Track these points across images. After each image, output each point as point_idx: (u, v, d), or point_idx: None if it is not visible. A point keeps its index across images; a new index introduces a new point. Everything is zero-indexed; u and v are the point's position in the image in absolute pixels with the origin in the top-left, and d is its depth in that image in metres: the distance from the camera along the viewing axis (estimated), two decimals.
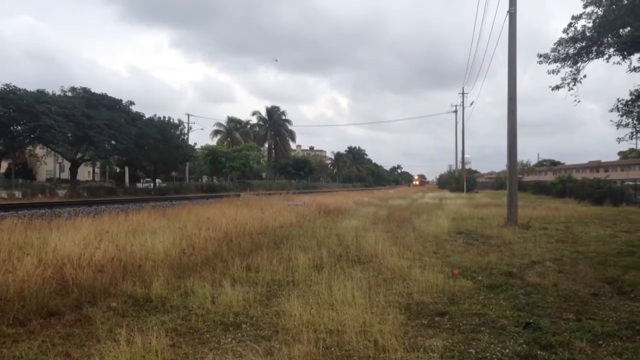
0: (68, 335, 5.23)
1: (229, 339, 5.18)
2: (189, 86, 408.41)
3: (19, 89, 37.86)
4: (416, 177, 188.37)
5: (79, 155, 45.54)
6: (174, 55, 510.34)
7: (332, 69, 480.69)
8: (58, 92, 44.29)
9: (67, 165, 54.59)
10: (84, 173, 72.79)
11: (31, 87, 40.03)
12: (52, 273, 7.03)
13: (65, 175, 64.92)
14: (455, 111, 70.50)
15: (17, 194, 35.91)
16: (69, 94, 45.75)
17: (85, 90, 46.67)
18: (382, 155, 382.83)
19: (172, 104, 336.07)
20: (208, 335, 5.30)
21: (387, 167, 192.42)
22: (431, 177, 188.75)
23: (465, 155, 69.49)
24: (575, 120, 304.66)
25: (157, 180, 58.04)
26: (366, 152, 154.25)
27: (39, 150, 54.50)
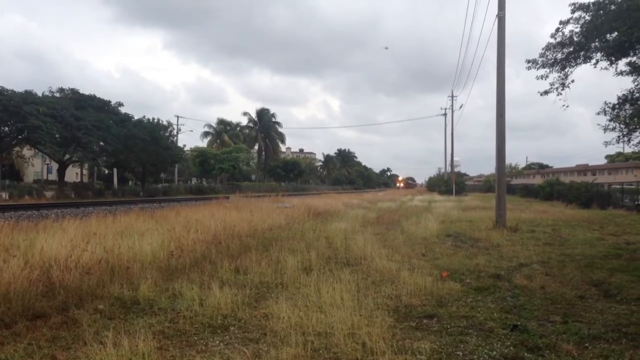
0: (54, 338, 5.20)
1: (217, 342, 5.17)
2: (181, 88, 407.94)
3: (7, 89, 37.54)
4: (400, 179, 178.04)
5: (67, 156, 45.18)
6: (167, 57, 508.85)
7: (326, 72, 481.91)
8: (46, 93, 44.00)
9: (54, 166, 54.14)
10: (72, 174, 72.14)
11: (22, 88, 39.69)
12: (38, 275, 6.97)
13: (53, 176, 64.41)
14: (445, 114, 70.84)
15: (4, 195, 35.52)
16: (57, 94, 45.41)
17: (74, 91, 46.37)
18: (372, 158, 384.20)
19: (164, 105, 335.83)
20: (196, 338, 5.28)
21: (377, 170, 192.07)
22: (421, 179, 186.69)
23: (455, 159, 69.81)
24: (565, 124, 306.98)
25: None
26: (356, 155, 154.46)
27: (27, 152, 54.04)
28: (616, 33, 12.80)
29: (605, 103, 15.57)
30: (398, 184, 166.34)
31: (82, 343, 4.98)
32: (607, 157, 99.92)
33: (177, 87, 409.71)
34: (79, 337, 5.17)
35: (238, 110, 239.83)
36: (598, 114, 15.82)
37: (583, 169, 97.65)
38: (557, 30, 14.64)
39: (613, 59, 14.00)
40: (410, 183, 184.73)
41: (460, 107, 69.40)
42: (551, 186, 46.37)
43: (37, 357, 4.66)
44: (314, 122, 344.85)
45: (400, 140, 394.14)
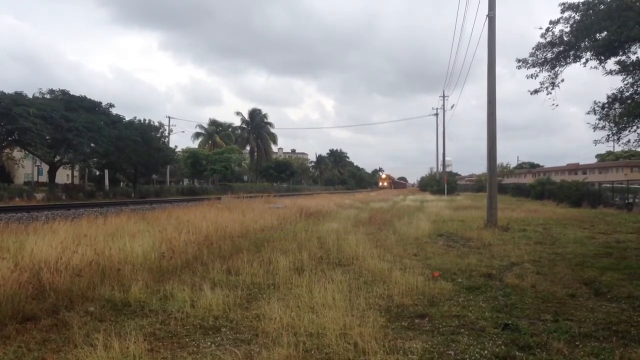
0: (44, 341, 5.16)
1: (208, 343, 5.15)
2: (176, 88, 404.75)
3: None
4: (383, 176, 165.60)
5: (58, 158, 44.91)
6: (163, 58, 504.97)
7: (321, 72, 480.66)
8: (36, 94, 43.71)
9: (45, 168, 53.77)
10: (63, 176, 71.69)
11: (18, 89, 39.36)
12: (28, 277, 6.92)
13: (44, 178, 63.98)
14: (436, 114, 71.10)
15: None
16: (48, 96, 45.10)
17: (64, 93, 46.02)
18: (364, 158, 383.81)
19: (158, 106, 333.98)
20: (187, 340, 5.26)
21: (369, 170, 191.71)
22: (414, 179, 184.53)
23: (447, 158, 70.06)
24: (557, 123, 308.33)
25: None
26: (348, 155, 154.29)
27: (17, 153, 53.60)
28: (606, 32, 12.89)
29: (595, 102, 15.70)
30: (381, 183, 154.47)
31: (73, 345, 4.95)
32: (597, 156, 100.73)
33: (172, 88, 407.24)
34: (70, 340, 5.14)
35: (233, 111, 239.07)
36: (588, 113, 15.96)
37: (574, 168, 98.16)
38: (547, 30, 14.73)
39: (602, 58, 14.11)
40: (399, 182, 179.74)
41: (452, 107, 69.87)
42: (542, 185, 46.65)
43: (27, 359, 4.64)
44: (308, 122, 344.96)
45: (393, 140, 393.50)
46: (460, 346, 5.07)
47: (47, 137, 38.90)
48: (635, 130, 15.25)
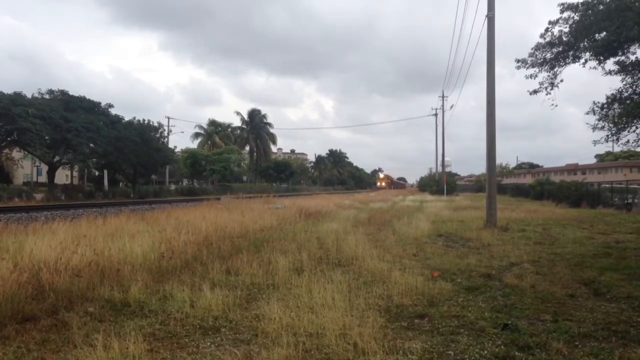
0: (44, 341, 5.16)
1: (208, 343, 5.15)
2: (176, 89, 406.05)
3: None
4: (381, 176, 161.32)
5: (57, 158, 44.89)
6: (163, 58, 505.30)
7: (321, 72, 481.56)
8: (35, 95, 43.69)
9: (44, 168, 53.72)
10: (62, 176, 71.63)
11: (19, 90, 39.32)
12: (27, 278, 6.91)
13: (43, 178, 63.93)
14: (436, 114, 71.10)
15: None
16: (47, 96, 45.07)
17: (63, 93, 45.99)
18: (364, 159, 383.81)
19: (158, 106, 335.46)
20: (187, 340, 5.26)
21: (369, 170, 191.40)
22: (413, 179, 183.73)
23: (446, 159, 69.97)
24: (556, 124, 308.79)
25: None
26: (347, 155, 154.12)
27: (16, 154, 53.58)
28: (605, 33, 12.90)
29: (594, 102, 15.73)
30: (379, 183, 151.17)
31: (72, 346, 4.95)
32: (596, 156, 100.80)
33: (172, 88, 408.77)
34: (69, 340, 5.14)
35: (233, 111, 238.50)
36: (587, 113, 15.99)
37: (573, 169, 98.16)
38: (547, 30, 14.75)
39: (601, 58, 14.13)
40: (398, 182, 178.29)
41: (451, 107, 69.86)
42: (541, 186, 46.68)
43: (26, 359, 4.63)
44: (307, 122, 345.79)
45: (393, 141, 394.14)
46: (459, 346, 5.07)
47: (46, 138, 38.88)
48: (634, 131, 15.28)
